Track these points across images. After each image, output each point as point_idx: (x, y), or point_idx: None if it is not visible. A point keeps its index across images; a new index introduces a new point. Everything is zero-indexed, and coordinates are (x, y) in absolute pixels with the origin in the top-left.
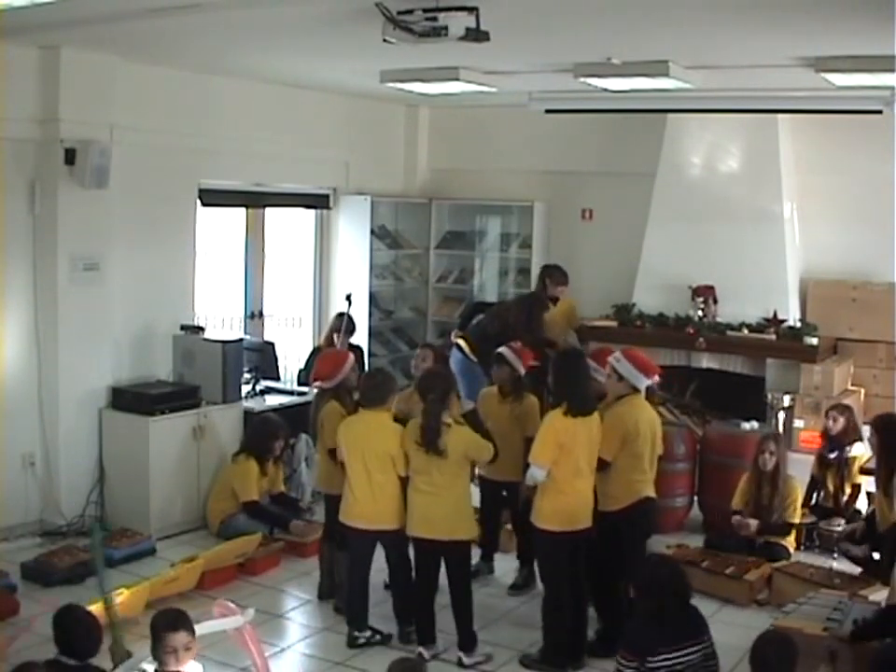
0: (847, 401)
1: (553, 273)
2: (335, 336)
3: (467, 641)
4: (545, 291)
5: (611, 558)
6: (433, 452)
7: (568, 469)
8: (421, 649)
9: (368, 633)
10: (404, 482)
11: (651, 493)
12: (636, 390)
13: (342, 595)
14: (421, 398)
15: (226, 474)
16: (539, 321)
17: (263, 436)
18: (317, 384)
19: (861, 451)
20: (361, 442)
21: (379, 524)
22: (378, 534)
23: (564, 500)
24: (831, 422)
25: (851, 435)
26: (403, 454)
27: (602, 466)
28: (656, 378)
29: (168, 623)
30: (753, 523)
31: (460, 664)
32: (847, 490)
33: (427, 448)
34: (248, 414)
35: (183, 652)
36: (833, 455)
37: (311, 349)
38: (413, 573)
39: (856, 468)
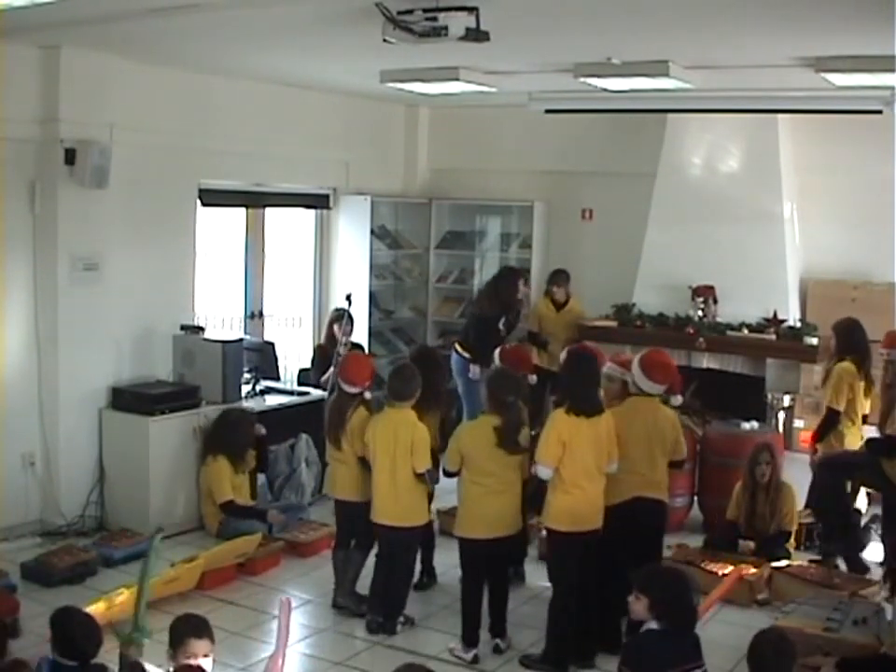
0: None
1: (551, 276)
2: (335, 327)
3: (504, 629)
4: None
5: (606, 555)
6: (512, 450)
7: (575, 469)
8: (462, 653)
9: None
10: (421, 479)
11: (646, 493)
12: (644, 392)
13: (342, 592)
14: (494, 398)
15: (202, 479)
16: (508, 291)
17: (229, 431)
18: (364, 387)
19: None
20: (391, 440)
21: (400, 520)
22: (398, 531)
23: (570, 501)
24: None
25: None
26: (427, 449)
27: None
28: (664, 387)
29: (193, 629)
30: (751, 545)
31: (497, 650)
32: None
33: (509, 447)
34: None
35: (202, 658)
36: None
37: (314, 348)
38: (462, 575)
39: None
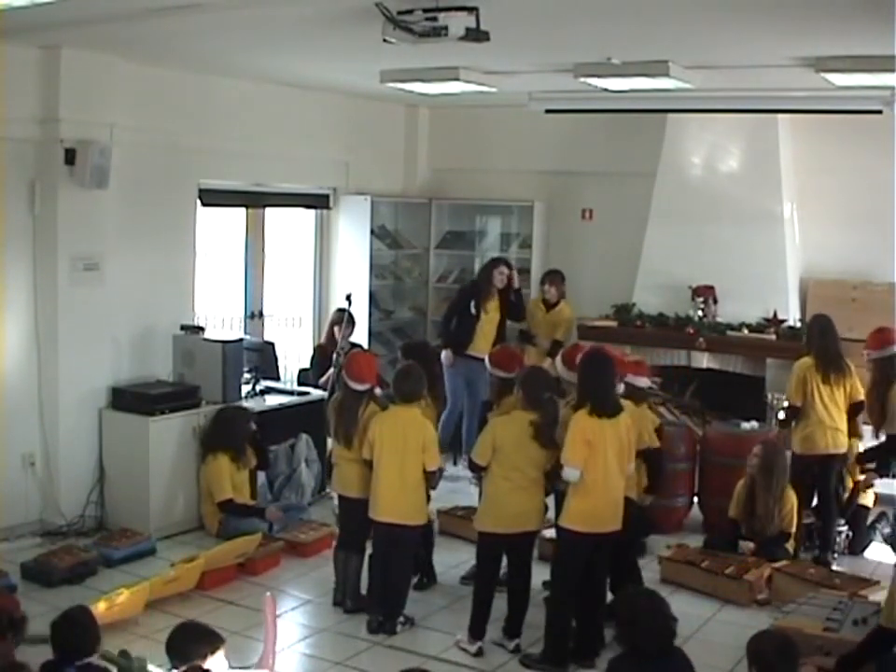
0: None
1: (544, 275)
2: (335, 329)
3: (521, 630)
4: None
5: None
6: (548, 446)
7: (597, 470)
8: (468, 645)
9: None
10: (428, 477)
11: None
12: None
13: (351, 595)
14: (529, 396)
15: (202, 478)
16: (481, 276)
17: (225, 427)
18: (373, 383)
19: (861, 448)
20: (400, 438)
21: (404, 518)
22: (403, 529)
23: (590, 502)
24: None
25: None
26: (437, 448)
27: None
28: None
29: (205, 647)
30: (751, 545)
31: (517, 650)
32: (849, 486)
33: (545, 442)
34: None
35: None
36: None
37: (314, 347)
38: (479, 569)
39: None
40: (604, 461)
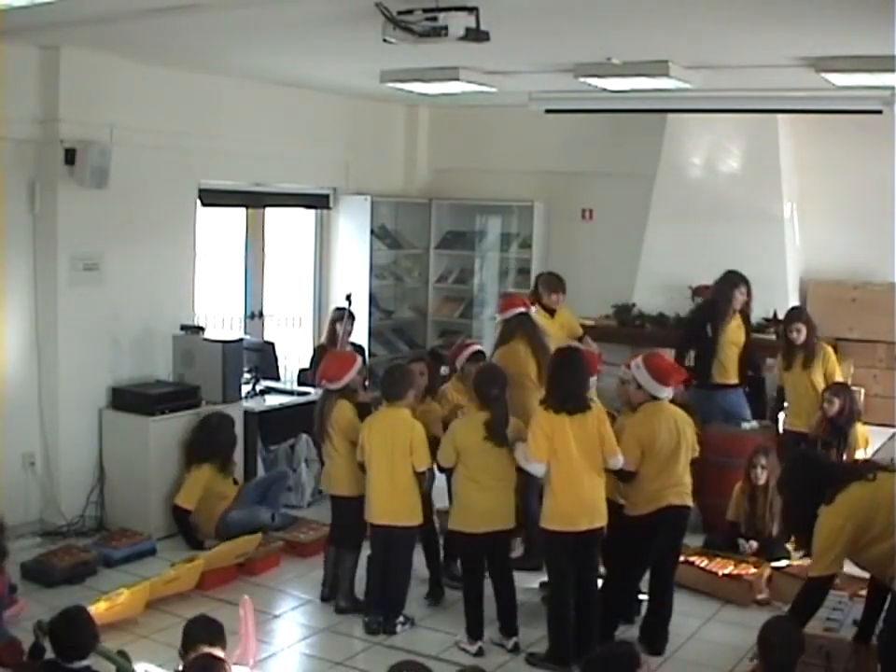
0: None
1: (548, 280)
2: (337, 326)
3: (516, 627)
4: (539, 300)
5: (624, 560)
6: (501, 444)
7: (562, 467)
8: (468, 646)
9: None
10: (419, 478)
11: (676, 500)
12: (655, 398)
13: (342, 594)
14: (480, 394)
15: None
16: (717, 296)
17: (212, 436)
18: (323, 383)
19: (862, 431)
20: (388, 439)
21: (398, 520)
22: (397, 530)
23: (560, 501)
24: (826, 404)
25: (850, 416)
26: (426, 447)
27: (626, 475)
28: (676, 386)
29: (207, 636)
30: (754, 545)
31: (516, 648)
32: None
33: (498, 441)
34: (248, 414)
35: None
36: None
37: (314, 348)
38: (461, 571)
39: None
40: (568, 458)
